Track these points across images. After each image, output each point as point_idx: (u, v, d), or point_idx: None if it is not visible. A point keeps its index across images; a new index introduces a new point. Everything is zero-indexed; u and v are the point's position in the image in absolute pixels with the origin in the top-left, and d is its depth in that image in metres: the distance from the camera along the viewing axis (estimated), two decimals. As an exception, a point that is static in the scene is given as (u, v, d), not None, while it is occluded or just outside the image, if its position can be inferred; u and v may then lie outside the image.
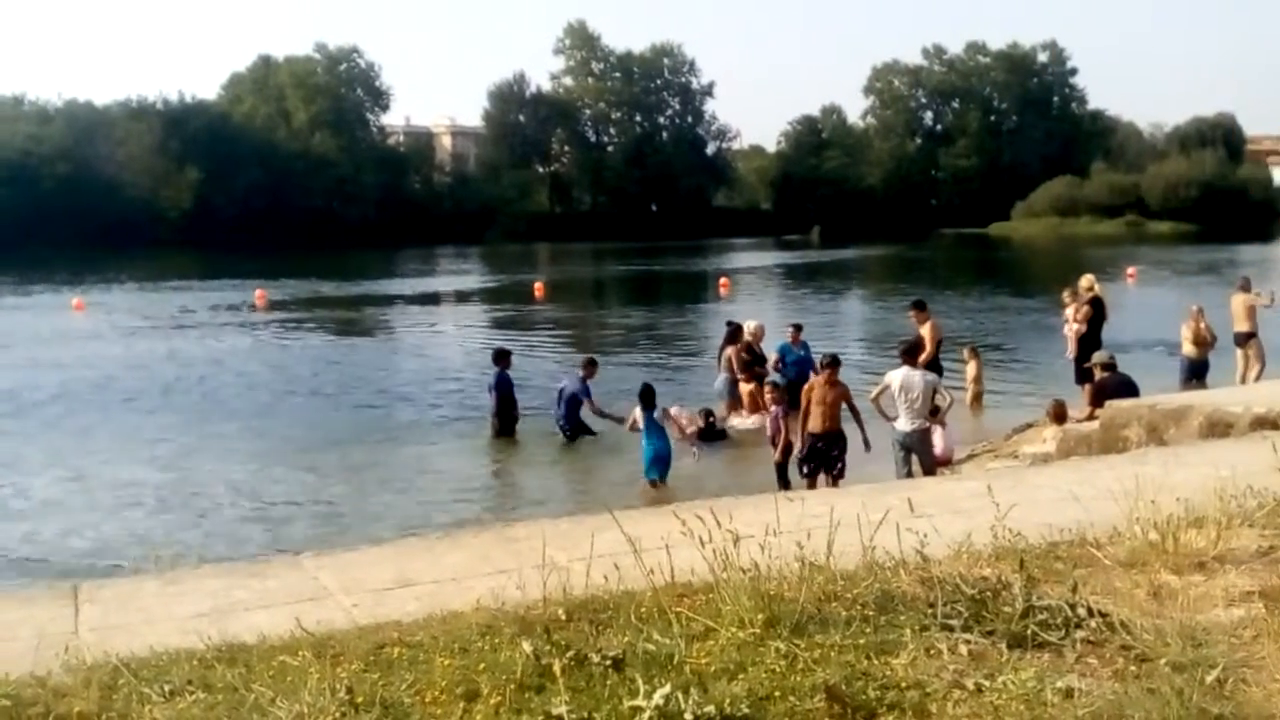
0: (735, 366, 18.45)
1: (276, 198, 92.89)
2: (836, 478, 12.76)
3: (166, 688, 4.49)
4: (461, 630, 5.06)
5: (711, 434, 16.65)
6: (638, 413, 14.76)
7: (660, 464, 14.46)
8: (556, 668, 4.22)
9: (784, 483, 13.14)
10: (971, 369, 19.04)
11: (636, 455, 15.50)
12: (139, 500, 14.36)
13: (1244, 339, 19.10)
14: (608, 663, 4.39)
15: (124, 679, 4.61)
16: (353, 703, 4.10)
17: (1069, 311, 18.73)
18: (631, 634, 4.77)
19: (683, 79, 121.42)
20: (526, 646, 4.50)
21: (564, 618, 5.07)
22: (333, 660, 4.74)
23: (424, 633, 5.11)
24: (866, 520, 5.39)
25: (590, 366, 17.46)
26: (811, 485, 12.65)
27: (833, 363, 13.20)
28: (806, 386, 13.32)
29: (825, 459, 12.84)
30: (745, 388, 18.09)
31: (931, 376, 13.75)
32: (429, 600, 5.83)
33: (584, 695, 4.12)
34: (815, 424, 12.86)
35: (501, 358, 17.56)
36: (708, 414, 17.01)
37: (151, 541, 11.74)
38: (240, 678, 4.51)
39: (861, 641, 4.58)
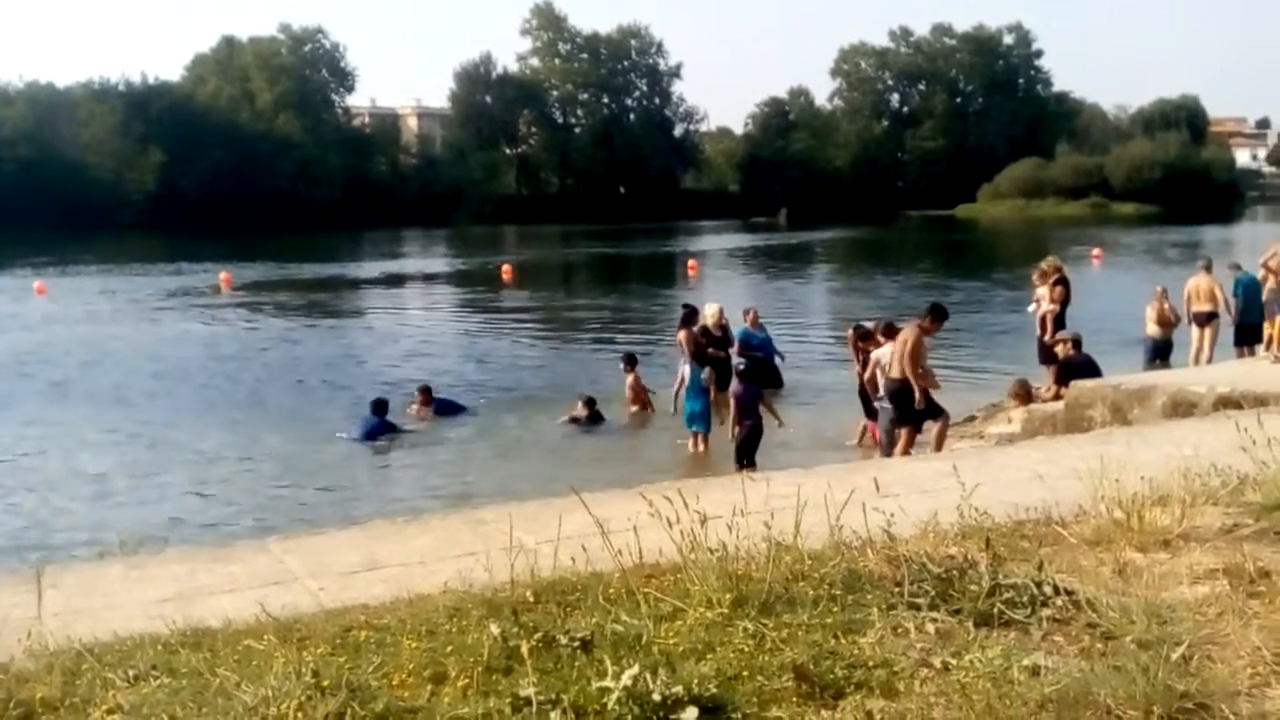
0: (686, 350, 18.42)
1: (241, 180, 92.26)
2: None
3: (130, 673, 4.45)
4: (429, 613, 5.04)
5: (594, 420, 17.10)
6: (685, 369, 15.30)
7: (702, 418, 15.07)
8: (524, 649, 4.20)
9: (741, 463, 13.25)
10: None
11: (595, 441, 15.72)
12: (101, 485, 14.28)
13: (1205, 319, 19.22)
14: (576, 644, 4.37)
15: (88, 664, 4.57)
16: (319, 686, 4.07)
17: (1041, 291, 18.66)
18: (599, 615, 4.76)
19: (650, 60, 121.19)
20: (494, 628, 4.48)
21: (532, 600, 5.05)
22: (298, 644, 4.70)
23: (391, 615, 5.08)
24: (833, 500, 5.39)
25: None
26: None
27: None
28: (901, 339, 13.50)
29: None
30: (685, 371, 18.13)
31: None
32: (396, 583, 5.79)
33: (552, 677, 4.11)
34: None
35: (380, 407, 17.11)
36: (590, 401, 17.30)
37: (115, 526, 11.68)
38: (205, 662, 4.48)
39: (829, 621, 4.58)
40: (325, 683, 4.10)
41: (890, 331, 14.24)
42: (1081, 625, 4.56)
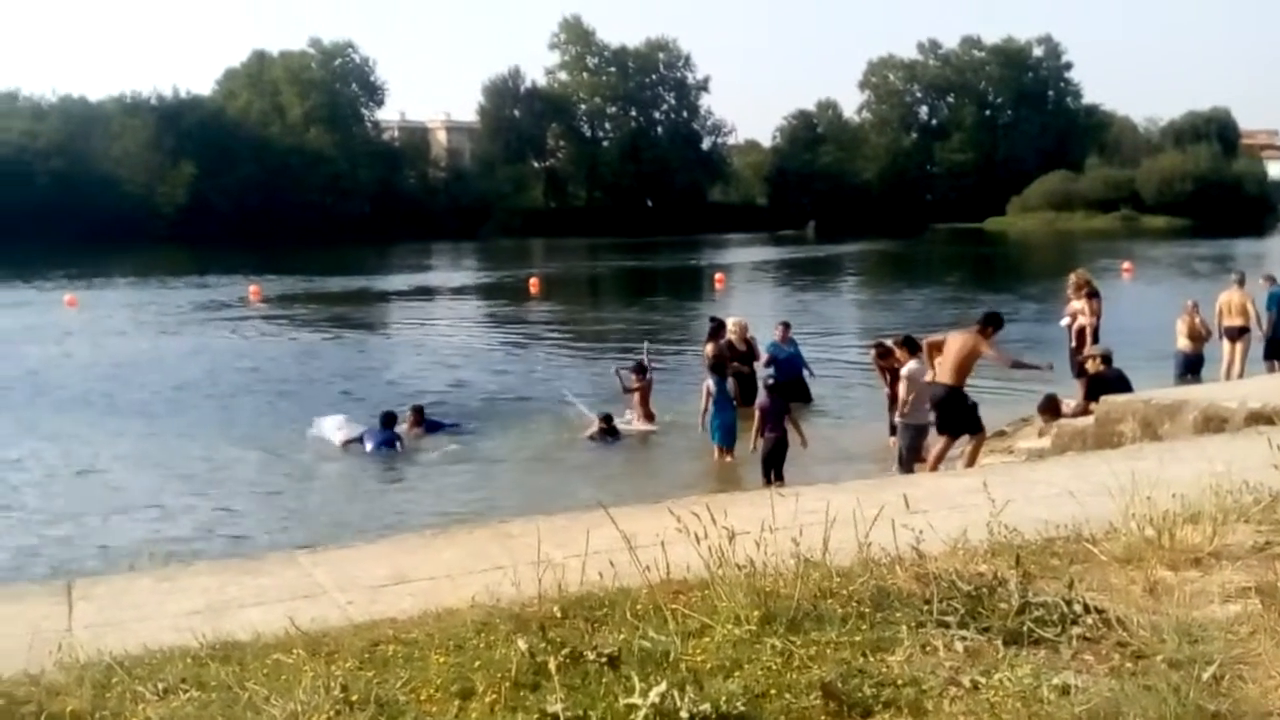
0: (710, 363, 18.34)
1: (271, 193, 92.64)
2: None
3: (160, 686, 4.47)
4: (457, 627, 5.05)
5: (610, 435, 17.08)
6: (710, 382, 15.46)
7: (727, 432, 15.25)
8: (552, 665, 4.20)
9: (768, 477, 13.27)
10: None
11: (616, 456, 15.72)
12: (128, 497, 14.36)
13: (1237, 333, 19.08)
14: (603, 660, 4.37)
15: (117, 677, 4.60)
16: (347, 701, 4.09)
17: (1078, 305, 18.46)
18: (627, 631, 4.76)
19: (678, 74, 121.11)
20: (522, 644, 4.48)
21: (559, 615, 5.05)
22: (327, 658, 4.72)
23: (419, 630, 5.09)
24: (862, 516, 5.38)
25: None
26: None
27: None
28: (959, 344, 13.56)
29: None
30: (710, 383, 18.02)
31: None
32: (424, 597, 5.81)
33: (579, 693, 4.11)
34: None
35: (389, 420, 17.19)
36: (606, 417, 17.28)
37: (143, 538, 11.74)
38: (234, 676, 4.50)
39: (857, 638, 4.57)
40: (354, 697, 4.12)
41: (910, 345, 14.19)
42: (1112, 644, 4.53)
